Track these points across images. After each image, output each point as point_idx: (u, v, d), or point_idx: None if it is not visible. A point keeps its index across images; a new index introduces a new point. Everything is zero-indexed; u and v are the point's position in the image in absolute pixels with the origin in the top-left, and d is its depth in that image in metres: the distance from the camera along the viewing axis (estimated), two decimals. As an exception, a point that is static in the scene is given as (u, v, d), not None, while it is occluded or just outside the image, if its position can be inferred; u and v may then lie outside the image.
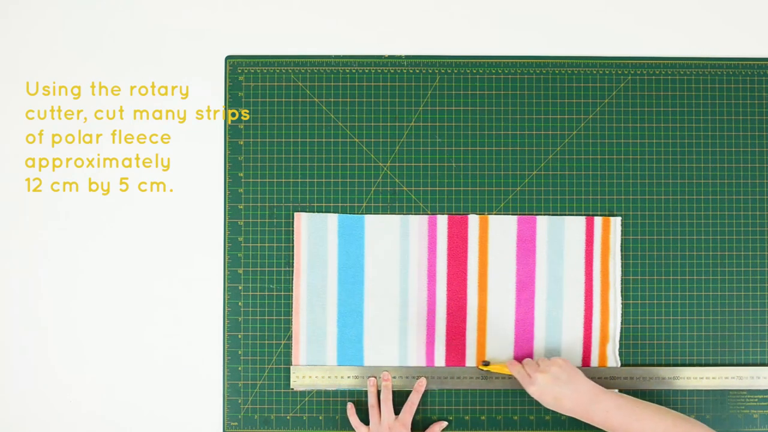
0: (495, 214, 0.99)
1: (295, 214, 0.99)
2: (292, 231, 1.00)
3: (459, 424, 0.99)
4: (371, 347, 0.99)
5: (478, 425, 0.99)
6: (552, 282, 0.99)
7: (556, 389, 0.90)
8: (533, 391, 0.91)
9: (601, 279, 0.99)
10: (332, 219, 0.99)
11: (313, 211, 1.00)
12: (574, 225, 0.99)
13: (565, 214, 0.99)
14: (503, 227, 0.99)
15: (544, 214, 0.99)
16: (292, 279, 0.99)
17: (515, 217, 0.99)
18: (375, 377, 0.98)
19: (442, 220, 0.99)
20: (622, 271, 0.99)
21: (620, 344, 0.99)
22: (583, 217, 0.99)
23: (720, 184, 1.00)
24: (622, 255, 0.99)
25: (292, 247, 0.99)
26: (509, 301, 0.99)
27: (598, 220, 0.99)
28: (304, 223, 0.99)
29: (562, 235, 0.99)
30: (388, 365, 0.99)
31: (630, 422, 0.87)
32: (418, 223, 0.99)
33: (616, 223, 0.99)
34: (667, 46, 1.01)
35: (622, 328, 0.99)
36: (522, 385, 0.93)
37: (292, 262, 0.99)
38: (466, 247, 0.99)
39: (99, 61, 1.01)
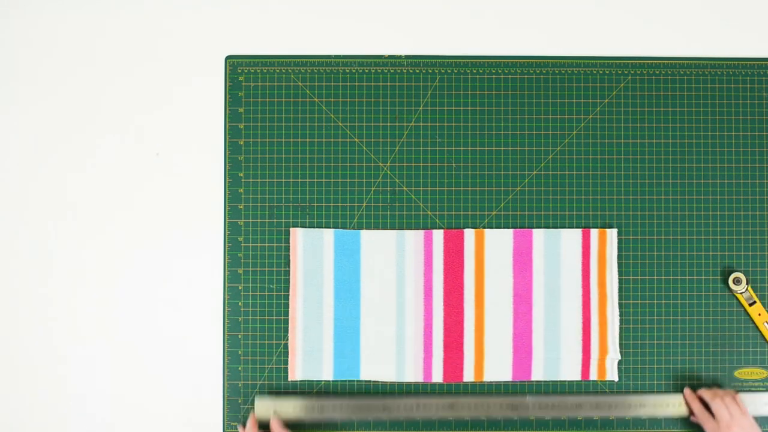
0: (491, 228, 0.99)
1: (291, 229, 0.99)
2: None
3: (459, 424, 0.99)
4: (368, 362, 0.98)
5: (478, 425, 0.99)
6: (549, 296, 0.98)
7: None
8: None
9: (598, 292, 0.98)
10: (328, 234, 0.99)
11: (313, 212, 1.00)
12: (570, 238, 0.99)
13: (562, 228, 0.99)
14: (499, 241, 0.99)
15: (541, 228, 0.99)
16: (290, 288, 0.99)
17: (511, 231, 0.99)
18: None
19: (438, 235, 0.99)
20: (619, 283, 0.99)
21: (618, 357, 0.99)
22: (579, 230, 0.99)
23: (720, 184, 1.00)
24: (619, 267, 0.99)
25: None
26: (507, 316, 0.99)
27: (594, 233, 0.99)
28: (299, 238, 0.99)
29: (558, 249, 0.98)
30: (385, 380, 0.99)
31: None
32: (414, 238, 0.99)
33: (612, 235, 0.99)
34: (667, 46, 1.01)
35: (621, 341, 0.99)
36: (703, 419, 0.93)
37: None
38: (462, 262, 0.99)
39: (99, 60, 1.01)
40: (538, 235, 0.99)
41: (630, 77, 1.00)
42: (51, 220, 1.00)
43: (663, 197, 1.00)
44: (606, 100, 1.00)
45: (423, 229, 0.99)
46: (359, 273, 0.99)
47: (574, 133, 1.00)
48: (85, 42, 1.01)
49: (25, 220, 1.01)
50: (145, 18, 1.01)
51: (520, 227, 0.99)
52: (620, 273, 0.99)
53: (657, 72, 1.00)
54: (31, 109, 1.01)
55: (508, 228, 0.99)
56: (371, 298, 0.98)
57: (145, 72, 1.01)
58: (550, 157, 1.00)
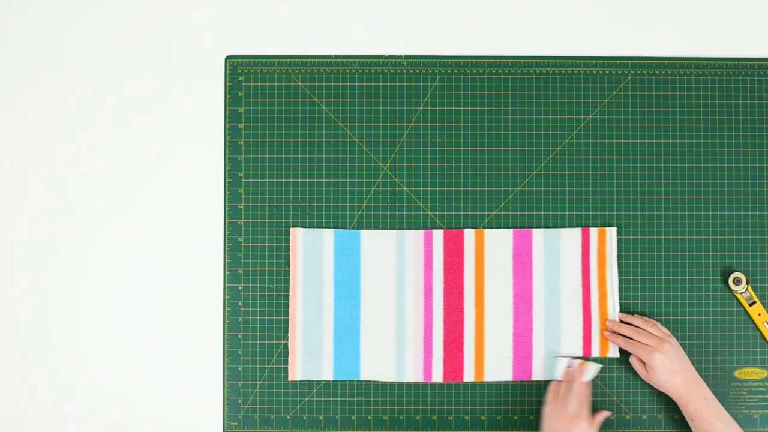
0: (491, 228, 0.99)
1: (291, 229, 0.99)
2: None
3: (459, 424, 0.99)
4: (368, 362, 0.98)
5: (478, 425, 0.99)
6: (549, 295, 0.98)
7: (677, 362, 0.92)
8: (657, 357, 0.92)
9: (598, 290, 0.98)
10: (328, 234, 0.99)
11: (313, 212, 1.00)
12: (569, 237, 0.99)
13: (561, 227, 0.99)
14: (499, 241, 0.99)
15: (540, 228, 0.99)
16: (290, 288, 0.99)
17: (511, 230, 0.99)
18: None
19: (438, 235, 0.99)
20: (619, 281, 0.99)
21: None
22: (579, 229, 0.99)
23: (720, 184, 1.00)
24: (619, 267, 0.99)
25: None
26: (507, 315, 0.99)
27: (593, 232, 0.99)
28: (299, 238, 0.99)
29: (558, 248, 0.98)
30: (385, 380, 0.99)
31: (715, 420, 0.91)
32: (414, 238, 0.99)
33: (611, 233, 0.99)
34: (667, 46, 1.01)
35: None
36: (640, 351, 0.93)
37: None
38: (462, 262, 0.99)
39: (100, 60, 1.01)
40: (538, 234, 0.99)
41: (630, 77, 1.00)
42: (51, 220, 1.01)
43: (663, 197, 1.00)
44: (606, 100, 1.00)
45: (423, 229, 0.99)
46: (359, 273, 0.99)
47: (574, 133, 1.00)
48: (86, 42, 1.01)
49: (24, 220, 1.01)
50: (145, 18, 1.01)
51: (520, 227, 0.99)
52: (620, 273, 0.99)
53: (657, 72, 1.00)
54: (31, 110, 1.01)
55: (508, 228, 0.99)
56: (371, 298, 0.98)
57: (145, 72, 1.01)
58: (550, 157, 1.00)
